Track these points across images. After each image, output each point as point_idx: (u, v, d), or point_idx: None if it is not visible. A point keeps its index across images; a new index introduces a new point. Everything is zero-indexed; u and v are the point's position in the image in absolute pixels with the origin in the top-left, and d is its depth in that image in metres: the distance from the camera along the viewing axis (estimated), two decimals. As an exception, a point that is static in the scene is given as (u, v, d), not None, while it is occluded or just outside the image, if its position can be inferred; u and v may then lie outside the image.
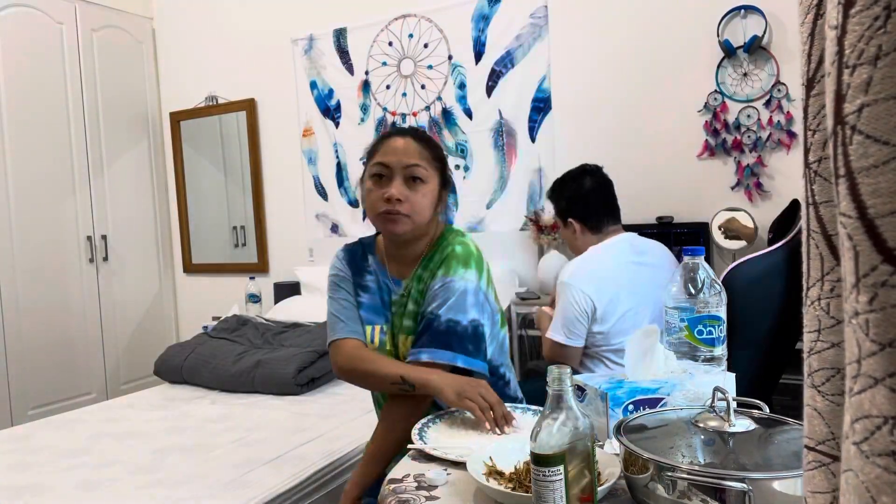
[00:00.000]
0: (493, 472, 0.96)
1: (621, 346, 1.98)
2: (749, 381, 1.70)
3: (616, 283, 2.00)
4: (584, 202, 2.13)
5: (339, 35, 3.68)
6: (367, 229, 3.68)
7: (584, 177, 2.16)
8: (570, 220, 2.14)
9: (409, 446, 1.15)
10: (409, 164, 1.40)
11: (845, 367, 0.33)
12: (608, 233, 2.12)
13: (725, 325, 1.13)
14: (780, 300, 1.66)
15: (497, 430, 1.19)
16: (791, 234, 1.75)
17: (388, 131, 1.51)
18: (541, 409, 1.26)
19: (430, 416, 1.26)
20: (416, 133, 1.47)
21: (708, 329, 1.10)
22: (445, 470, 1.04)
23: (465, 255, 1.43)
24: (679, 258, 1.46)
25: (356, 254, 1.57)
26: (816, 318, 0.41)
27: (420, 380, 1.32)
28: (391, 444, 1.37)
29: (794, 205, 2.18)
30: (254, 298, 3.84)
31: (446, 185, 1.49)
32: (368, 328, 1.50)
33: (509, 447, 1.03)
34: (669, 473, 0.79)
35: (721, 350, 1.12)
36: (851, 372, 0.32)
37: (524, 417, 1.25)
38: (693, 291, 1.11)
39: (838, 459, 0.39)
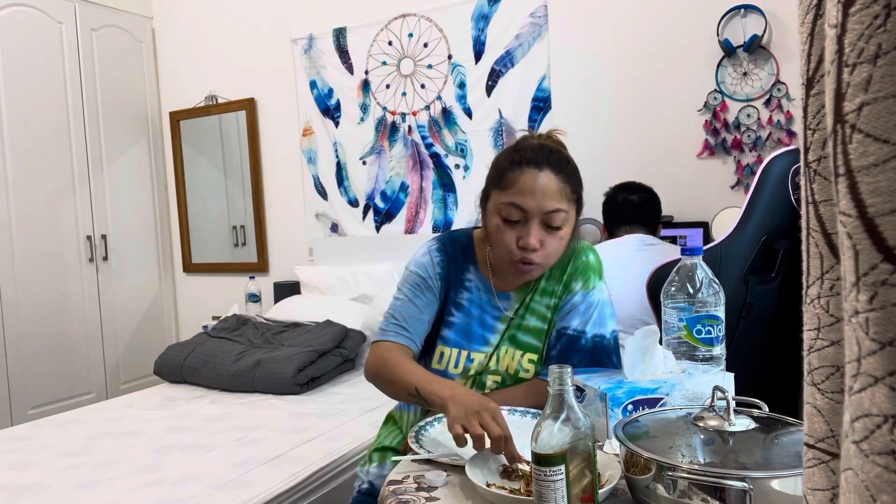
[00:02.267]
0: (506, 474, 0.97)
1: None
2: (754, 382, 1.70)
3: (621, 271, 2.05)
4: (608, 211, 2.42)
5: (339, 34, 3.68)
6: (367, 229, 3.70)
7: (620, 192, 2.43)
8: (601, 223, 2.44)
9: (408, 456, 1.14)
10: (550, 210, 1.24)
11: (845, 365, 0.33)
12: (618, 234, 2.34)
13: (724, 324, 1.13)
14: (777, 298, 1.66)
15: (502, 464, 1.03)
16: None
17: (522, 154, 1.27)
18: (539, 412, 1.26)
19: (427, 420, 1.25)
20: (557, 164, 1.26)
21: (707, 329, 1.10)
22: (446, 472, 1.04)
23: (598, 266, 1.39)
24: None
25: (457, 261, 1.39)
26: (816, 317, 0.41)
27: (431, 394, 1.16)
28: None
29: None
30: (254, 298, 3.84)
31: (580, 210, 1.33)
32: (449, 350, 1.36)
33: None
34: (670, 473, 0.79)
35: (719, 349, 1.12)
36: (851, 370, 0.32)
37: (523, 420, 1.24)
38: (692, 291, 1.11)
39: (838, 457, 0.39)
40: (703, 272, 1.12)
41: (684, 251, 1.15)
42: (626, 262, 2.17)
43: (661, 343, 1.17)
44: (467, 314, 1.37)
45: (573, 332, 1.33)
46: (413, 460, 1.10)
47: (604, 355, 1.34)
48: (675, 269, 1.16)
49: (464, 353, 1.35)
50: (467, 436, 1.01)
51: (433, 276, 1.38)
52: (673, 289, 1.13)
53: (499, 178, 1.28)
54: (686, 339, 1.11)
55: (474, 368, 1.35)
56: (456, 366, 1.36)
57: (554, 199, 1.24)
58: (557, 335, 1.35)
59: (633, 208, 2.36)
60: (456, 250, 1.40)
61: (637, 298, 2.02)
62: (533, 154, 1.26)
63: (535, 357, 1.36)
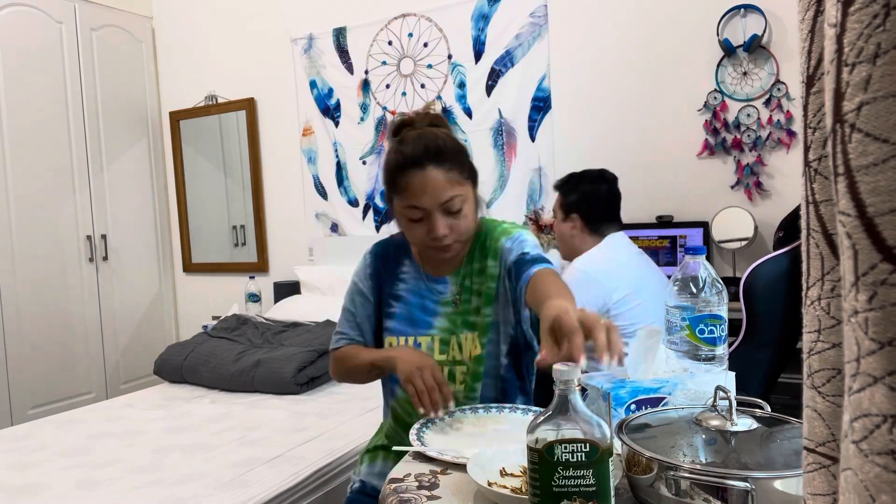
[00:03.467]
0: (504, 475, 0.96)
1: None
2: (765, 381, 1.71)
3: (629, 278, 2.03)
4: (594, 204, 2.17)
5: (339, 34, 3.68)
6: (367, 229, 3.70)
7: (602, 182, 2.20)
8: (574, 214, 2.17)
9: (408, 448, 1.14)
10: (445, 199, 1.30)
11: (844, 364, 0.33)
12: (605, 235, 2.16)
13: (727, 324, 1.12)
14: (788, 301, 1.66)
15: (432, 413, 1.22)
16: (798, 239, 1.75)
17: (403, 155, 1.31)
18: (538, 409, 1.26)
19: (428, 417, 1.25)
20: (436, 156, 1.30)
21: (709, 328, 1.10)
22: (446, 470, 1.04)
23: (513, 224, 1.47)
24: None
25: (388, 258, 1.49)
26: (816, 319, 0.41)
27: (382, 361, 1.35)
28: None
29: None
30: (253, 298, 3.84)
31: (476, 183, 1.39)
32: (396, 339, 1.43)
33: (512, 449, 1.03)
34: (672, 473, 0.79)
35: (722, 349, 1.12)
36: (850, 370, 0.32)
37: (525, 419, 1.24)
38: (694, 290, 1.11)
39: (839, 461, 0.39)
40: (706, 271, 1.12)
41: (687, 250, 1.14)
42: (650, 273, 2.13)
43: (667, 348, 1.17)
44: (406, 303, 1.45)
45: (517, 258, 1.34)
46: (413, 455, 1.10)
47: (547, 263, 1.34)
48: (677, 268, 1.16)
49: (410, 340, 1.42)
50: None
51: (363, 279, 1.49)
52: (676, 288, 1.13)
53: (392, 182, 1.34)
54: (688, 338, 1.11)
55: (437, 350, 1.41)
56: None
57: (445, 190, 1.30)
58: (508, 273, 1.37)
59: (619, 202, 2.22)
60: (388, 249, 1.50)
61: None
62: (413, 152, 1.31)
63: (487, 332, 1.40)
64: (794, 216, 2.23)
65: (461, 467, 1.02)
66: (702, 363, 1.12)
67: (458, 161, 1.33)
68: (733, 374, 1.14)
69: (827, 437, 0.40)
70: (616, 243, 2.13)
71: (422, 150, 1.30)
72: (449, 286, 1.43)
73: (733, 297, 2.41)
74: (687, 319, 1.10)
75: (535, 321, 1.44)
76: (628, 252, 2.13)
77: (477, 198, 1.40)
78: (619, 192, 2.23)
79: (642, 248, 2.32)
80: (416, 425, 1.21)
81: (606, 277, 2.01)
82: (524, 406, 1.29)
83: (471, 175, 1.37)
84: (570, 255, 2.19)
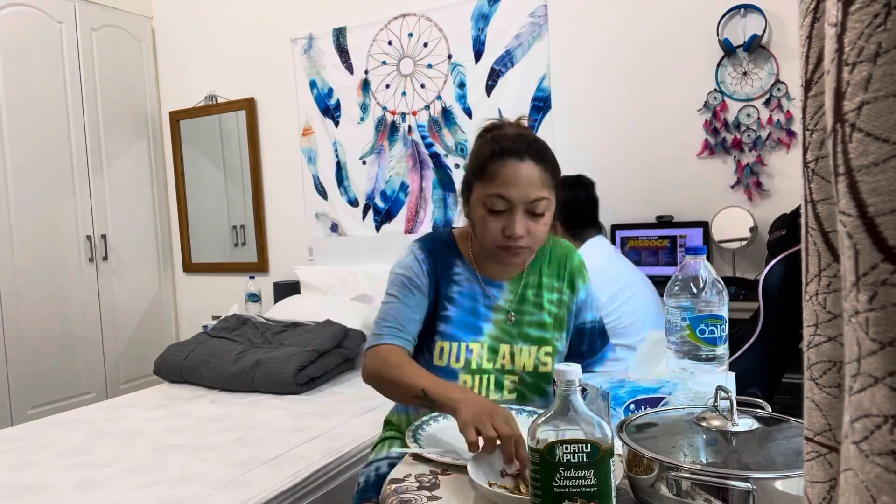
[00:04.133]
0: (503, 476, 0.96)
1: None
2: (767, 381, 1.71)
3: (610, 281, 2.08)
4: (573, 209, 2.21)
5: (339, 34, 3.68)
6: (367, 229, 3.70)
7: (580, 187, 2.25)
8: (554, 221, 2.18)
9: (405, 450, 1.14)
10: (534, 199, 1.27)
11: (845, 364, 0.33)
12: (585, 239, 2.20)
13: (727, 324, 1.12)
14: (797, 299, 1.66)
15: (507, 469, 1.01)
16: (793, 246, 1.76)
17: (502, 144, 1.29)
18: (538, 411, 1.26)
19: (424, 418, 1.25)
20: (537, 153, 1.29)
21: (710, 328, 1.10)
22: (446, 470, 1.04)
23: (581, 259, 1.48)
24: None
25: (441, 256, 1.40)
26: (814, 313, 0.41)
27: (442, 396, 1.15)
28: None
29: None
30: (253, 298, 3.84)
31: (560, 196, 1.36)
32: (448, 345, 1.36)
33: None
34: (673, 473, 0.79)
35: (723, 349, 1.12)
36: (851, 371, 0.32)
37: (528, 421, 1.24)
38: (695, 291, 1.11)
39: (835, 450, 0.40)
40: (707, 271, 1.12)
41: (688, 250, 1.14)
42: (631, 270, 2.19)
43: (668, 346, 1.16)
44: (459, 306, 1.38)
45: (590, 324, 1.45)
46: (411, 455, 1.10)
47: (605, 329, 1.49)
48: (678, 267, 1.16)
49: (463, 346, 1.35)
50: (480, 439, 1.00)
51: (420, 275, 1.38)
52: (676, 288, 1.13)
53: (481, 169, 1.29)
54: (689, 338, 1.11)
55: (475, 361, 1.35)
56: (457, 359, 1.35)
57: (536, 188, 1.27)
58: (578, 332, 1.44)
59: (597, 206, 2.29)
60: (439, 247, 1.41)
61: (657, 301, 2.10)
62: (513, 144, 1.28)
63: (550, 349, 1.38)
64: (795, 215, 2.23)
65: (461, 468, 1.02)
66: (702, 363, 1.12)
67: (554, 167, 1.32)
68: (733, 374, 1.14)
69: (824, 426, 0.40)
70: (596, 246, 2.18)
71: (525, 143, 1.29)
72: (504, 292, 1.40)
73: (734, 297, 2.41)
74: (687, 319, 1.10)
75: None
76: (607, 254, 2.19)
77: (555, 214, 1.36)
78: (597, 196, 2.28)
79: (642, 248, 2.33)
80: (413, 426, 1.20)
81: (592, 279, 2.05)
82: (530, 408, 1.28)
83: (557, 187, 1.33)
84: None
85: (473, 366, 1.35)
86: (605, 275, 2.07)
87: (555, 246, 1.46)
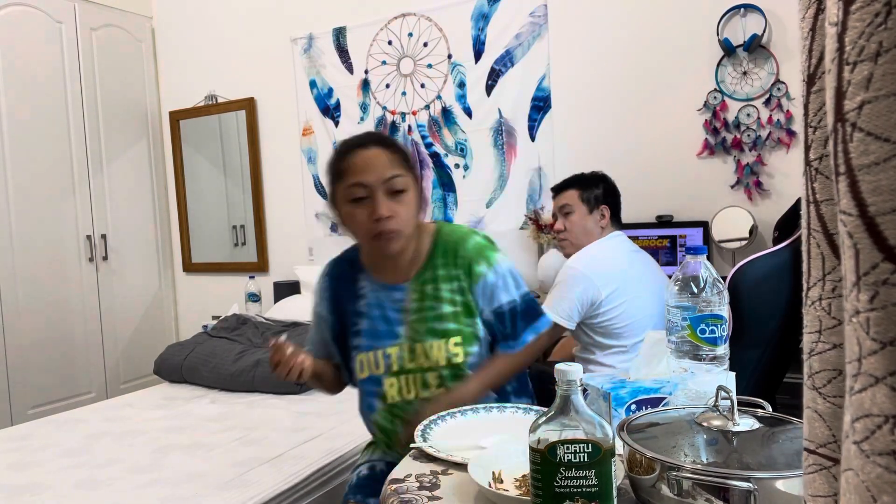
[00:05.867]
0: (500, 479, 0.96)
1: (621, 341, 2.05)
2: (756, 381, 1.70)
3: (621, 276, 2.09)
4: (618, 198, 2.28)
5: (339, 34, 3.68)
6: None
7: (611, 181, 2.32)
8: (603, 206, 2.23)
9: (412, 446, 1.14)
10: (389, 176, 1.33)
11: (845, 364, 0.33)
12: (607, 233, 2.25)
13: (727, 323, 1.12)
14: (787, 299, 1.66)
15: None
16: (797, 233, 1.75)
17: (346, 143, 1.41)
18: (540, 408, 1.26)
19: (432, 418, 1.25)
20: (380, 140, 1.40)
21: (710, 328, 1.10)
22: (447, 470, 1.04)
23: (490, 242, 1.48)
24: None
25: (343, 278, 1.50)
26: (818, 319, 0.40)
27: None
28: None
29: (799, 203, 2.19)
30: (253, 297, 3.84)
31: (419, 183, 1.44)
32: (364, 356, 1.44)
33: (511, 450, 1.03)
34: (674, 473, 0.79)
35: (723, 349, 1.12)
36: (852, 370, 0.32)
37: (526, 418, 1.24)
38: (695, 290, 1.11)
39: (840, 462, 0.39)
40: (707, 271, 1.12)
41: (688, 250, 1.14)
42: (647, 271, 2.20)
43: (668, 346, 1.16)
44: (369, 317, 1.44)
45: (508, 305, 1.44)
46: (413, 454, 1.09)
47: (535, 307, 1.49)
48: (678, 267, 1.16)
49: (379, 353, 1.42)
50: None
51: (320, 302, 1.52)
52: (676, 287, 1.13)
53: (336, 173, 1.37)
54: (689, 338, 1.11)
55: (396, 363, 1.41)
56: (377, 366, 1.43)
57: (388, 167, 1.33)
58: (497, 317, 1.44)
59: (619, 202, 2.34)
60: (343, 269, 1.50)
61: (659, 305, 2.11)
62: (356, 139, 1.40)
63: (459, 339, 1.41)
64: (788, 217, 2.23)
65: (462, 468, 1.02)
66: (703, 363, 1.12)
67: (401, 152, 1.40)
68: (733, 374, 1.14)
69: (828, 438, 0.39)
70: (617, 241, 2.21)
71: (366, 135, 1.42)
72: (407, 293, 1.43)
73: (733, 297, 2.41)
74: (688, 319, 1.10)
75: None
76: (626, 250, 2.20)
77: (421, 196, 1.43)
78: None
79: (642, 248, 2.33)
80: (422, 425, 1.21)
81: (597, 274, 2.08)
82: (525, 406, 1.29)
83: (414, 170, 1.41)
84: (575, 251, 2.22)
85: (395, 368, 1.41)
86: (613, 269, 2.10)
87: (447, 236, 1.46)
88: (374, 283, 1.45)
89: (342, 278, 1.49)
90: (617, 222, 2.27)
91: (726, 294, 1.12)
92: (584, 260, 2.12)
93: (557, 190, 2.31)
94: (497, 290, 1.44)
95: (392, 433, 1.45)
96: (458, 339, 1.41)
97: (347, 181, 1.34)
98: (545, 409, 0.80)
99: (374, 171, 1.32)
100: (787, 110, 2.67)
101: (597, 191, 2.24)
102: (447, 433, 1.19)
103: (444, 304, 1.41)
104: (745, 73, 2.74)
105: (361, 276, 1.47)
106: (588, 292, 2.06)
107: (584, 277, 2.07)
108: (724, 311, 1.12)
